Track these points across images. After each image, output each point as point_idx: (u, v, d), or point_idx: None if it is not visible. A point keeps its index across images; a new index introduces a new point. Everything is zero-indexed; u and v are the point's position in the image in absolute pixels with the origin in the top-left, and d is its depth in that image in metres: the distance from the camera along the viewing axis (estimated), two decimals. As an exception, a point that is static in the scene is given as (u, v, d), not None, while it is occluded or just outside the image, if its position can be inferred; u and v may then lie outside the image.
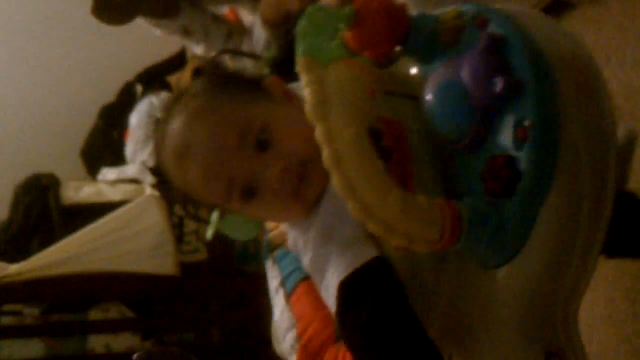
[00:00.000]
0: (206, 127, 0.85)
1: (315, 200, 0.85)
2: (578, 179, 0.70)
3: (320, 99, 0.67)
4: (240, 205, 0.86)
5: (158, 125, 0.92)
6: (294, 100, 0.90)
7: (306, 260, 0.87)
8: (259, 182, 0.84)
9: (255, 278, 2.56)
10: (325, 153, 0.65)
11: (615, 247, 1.08)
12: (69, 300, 2.53)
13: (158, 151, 0.91)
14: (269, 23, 1.86)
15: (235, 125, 0.84)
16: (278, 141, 0.84)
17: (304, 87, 0.68)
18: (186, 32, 2.11)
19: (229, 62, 2.10)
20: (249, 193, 0.85)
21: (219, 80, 0.94)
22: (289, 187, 0.83)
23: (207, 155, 0.84)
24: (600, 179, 0.70)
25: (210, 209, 0.95)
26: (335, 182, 0.64)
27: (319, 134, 0.65)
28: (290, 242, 0.93)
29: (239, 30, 2.22)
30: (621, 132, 1.25)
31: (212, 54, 2.13)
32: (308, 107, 0.67)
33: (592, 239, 0.71)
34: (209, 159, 0.84)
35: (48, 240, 2.56)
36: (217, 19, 2.21)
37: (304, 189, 0.84)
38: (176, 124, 0.87)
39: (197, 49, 2.18)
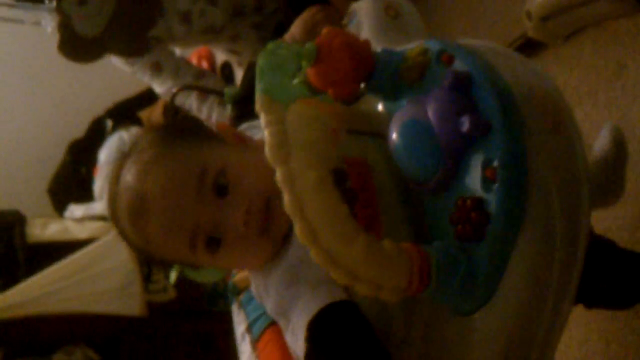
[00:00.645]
0: (161, 178, 0.81)
1: (283, 238, 0.82)
2: (549, 221, 0.67)
3: (280, 140, 0.63)
4: (207, 256, 0.83)
5: (110, 187, 0.87)
6: (247, 142, 0.89)
7: (270, 305, 0.84)
8: (224, 228, 0.81)
9: (225, 318, 2.54)
10: (286, 198, 0.61)
11: (594, 298, 1.06)
12: (33, 344, 2.46)
13: (112, 213, 0.87)
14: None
15: (191, 172, 0.81)
16: (237, 184, 0.81)
17: (263, 128, 0.65)
18: (157, 68, 2.08)
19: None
20: (215, 242, 0.82)
21: (169, 130, 0.91)
22: (255, 227, 0.81)
23: (165, 207, 0.81)
24: (573, 220, 0.68)
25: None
26: (297, 228, 0.61)
27: (279, 177, 0.62)
28: (253, 288, 0.89)
29: (210, 74, 2.21)
30: (606, 136, 1.25)
31: (183, 97, 2.10)
32: (267, 150, 0.63)
33: (566, 283, 0.68)
34: (168, 211, 0.81)
35: (12, 280, 2.50)
36: (188, 62, 2.20)
37: (272, 225, 0.81)
38: (128, 179, 0.84)
39: (162, 87, 2.14)
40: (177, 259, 0.87)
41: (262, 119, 0.66)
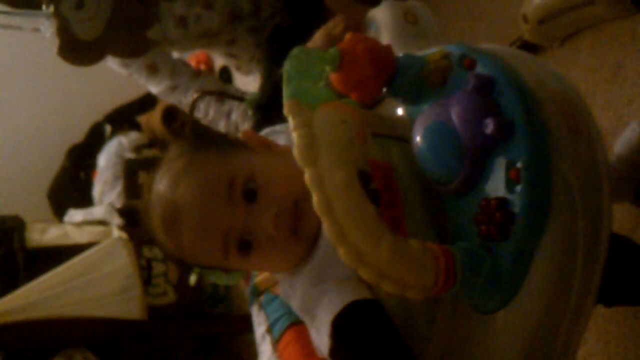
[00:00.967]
0: (191, 187, 0.83)
1: (313, 238, 0.83)
2: (573, 220, 0.68)
3: (309, 142, 0.64)
4: (240, 260, 0.84)
5: (142, 197, 0.90)
6: (272, 147, 0.91)
7: (295, 303, 0.85)
8: (255, 233, 0.82)
9: (224, 320, 2.54)
10: (315, 199, 0.62)
11: (613, 296, 1.07)
12: (32, 348, 2.46)
13: (147, 222, 0.89)
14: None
15: (220, 179, 0.83)
16: (265, 188, 0.83)
17: (291, 131, 0.66)
18: (153, 69, 2.08)
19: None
20: (247, 246, 0.83)
21: (197, 140, 0.93)
22: (285, 230, 0.82)
23: (197, 214, 0.82)
24: (595, 220, 0.69)
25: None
26: (326, 228, 0.62)
27: (308, 178, 0.63)
28: (279, 287, 0.90)
29: (207, 74, 2.21)
30: (634, 130, 1.27)
31: (179, 96, 2.10)
32: (296, 152, 0.65)
33: (589, 281, 0.69)
34: (200, 218, 0.82)
35: (11, 284, 2.50)
36: (183, 62, 2.20)
37: (302, 227, 0.82)
38: (160, 189, 0.86)
39: (158, 87, 2.14)
40: (211, 263, 0.88)
41: (291, 122, 0.67)
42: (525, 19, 1.53)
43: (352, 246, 0.62)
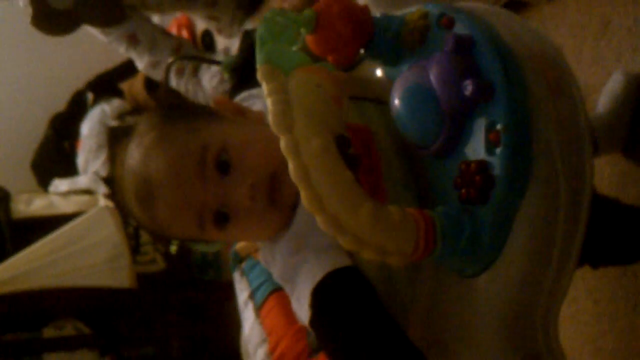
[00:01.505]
0: (163, 161, 0.82)
1: (293, 206, 0.82)
2: (553, 182, 0.67)
3: (283, 108, 0.63)
4: (217, 232, 0.83)
5: (114, 169, 0.89)
6: (246, 114, 0.89)
7: (276, 271, 0.84)
8: (230, 204, 0.81)
9: (214, 286, 2.55)
10: (292, 166, 0.61)
11: (600, 257, 1.07)
12: (22, 319, 2.46)
13: (120, 197, 0.88)
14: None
15: (191, 153, 0.81)
16: (240, 159, 0.81)
17: (265, 97, 0.64)
18: (133, 41, 2.05)
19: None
20: (223, 218, 0.82)
21: (166, 111, 0.91)
22: (262, 201, 0.81)
23: (170, 190, 0.81)
24: (577, 181, 0.68)
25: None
26: (303, 196, 0.61)
27: (283, 146, 0.62)
28: (260, 255, 0.89)
29: (187, 44, 2.17)
30: (616, 82, 1.26)
31: (155, 68, 2.07)
32: (271, 118, 0.63)
33: (570, 243, 0.68)
34: (173, 193, 0.81)
35: (-2, 256, 2.49)
36: (166, 32, 2.16)
37: (280, 197, 0.81)
38: (132, 165, 0.84)
39: (140, 62, 2.11)
40: (187, 236, 0.87)
41: (264, 88, 0.65)
42: (512, -25, 1.51)
43: (330, 214, 0.61)
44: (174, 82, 2.04)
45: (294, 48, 0.72)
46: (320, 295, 0.75)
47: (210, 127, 0.85)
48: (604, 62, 1.40)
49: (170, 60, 1.90)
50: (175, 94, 1.99)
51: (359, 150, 0.74)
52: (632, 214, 1.13)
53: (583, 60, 1.45)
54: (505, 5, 1.60)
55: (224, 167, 0.81)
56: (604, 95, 1.34)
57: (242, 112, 0.89)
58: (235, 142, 0.82)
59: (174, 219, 0.83)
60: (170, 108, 0.90)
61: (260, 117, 0.90)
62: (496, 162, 0.65)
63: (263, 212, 0.81)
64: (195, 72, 2.04)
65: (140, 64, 2.12)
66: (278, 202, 0.81)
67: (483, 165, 0.66)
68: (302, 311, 0.78)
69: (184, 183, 0.80)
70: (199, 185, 0.80)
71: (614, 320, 1.39)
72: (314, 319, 0.76)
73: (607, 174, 1.39)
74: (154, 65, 2.06)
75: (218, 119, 0.87)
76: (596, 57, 1.42)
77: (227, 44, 2.32)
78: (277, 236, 0.84)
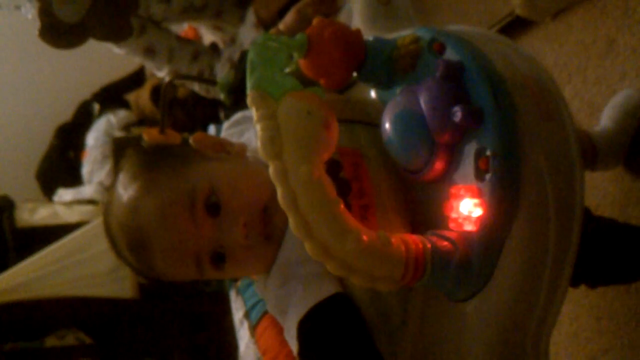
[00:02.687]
0: (152, 210, 0.81)
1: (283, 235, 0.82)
2: (543, 208, 0.67)
3: (272, 135, 0.63)
4: (215, 272, 0.83)
5: (104, 220, 0.88)
6: (228, 147, 0.89)
7: (269, 304, 0.84)
8: (226, 245, 0.81)
9: (216, 299, 2.54)
10: (280, 193, 0.61)
11: (597, 277, 1.07)
12: (24, 328, 2.46)
13: (113, 246, 0.87)
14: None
15: (180, 198, 0.81)
16: (229, 199, 0.81)
17: (254, 124, 0.64)
18: (149, 52, 2.05)
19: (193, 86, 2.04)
20: (219, 259, 0.82)
21: (148, 156, 0.90)
22: (256, 236, 0.81)
23: (164, 238, 0.81)
24: (567, 206, 0.68)
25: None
26: (291, 223, 0.61)
27: (272, 172, 0.62)
28: (255, 286, 0.90)
29: (206, 50, 2.17)
30: (625, 95, 1.26)
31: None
32: (260, 145, 0.63)
33: (561, 269, 0.68)
34: (167, 241, 0.81)
35: (1, 265, 2.50)
36: (182, 40, 2.16)
37: (272, 230, 0.81)
38: (120, 217, 0.84)
39: (159, 72, 2.12)
40: (186, 279, 0.87)
41: (254, 114, 0.66)
42: (517, -7, 1.51)
43: (318, 240, 0.61)
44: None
45: (286, 70, 0.72)
46: (306, 329, 0.76)
47: (194, 169, 0.84)
48: (608, 82, 1.40)
49: (167, 77, 1.91)
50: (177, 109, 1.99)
51: (350, 174, 0.75)
52: (629, 233, 1.12)
53: (587, 79, 1.45)
54: (510, 24, 1.61)
55: (214, 209, 0.80)
56: (609, 109, 1.34)
57: (222, 147, 0.89)
58: (222, 182, 0.82)
59: (171, 266, 0.83)
60: (151, 153, 0.90)
61: (242, 150, 0.90)
62: (486, 188, 0.65)
63: (259, 247, 0.81)
64: (211, 70, 2.04)
65: (159, 72, 2.12)
66: (271, 234, 0.81)
67: (473, 191, 0.66)
68: (292, 342, 0.78)
69: (177, 230, 0.80)
70: (192, 230, 0.80)
71: (616, 337, 1.38)
72: (301, 352, 0.76)
73: (610, 191, 1.38)
74: (173, 73, 2.07)
75: (201, 158, 0.87)
76: (600, 76, 1.42)
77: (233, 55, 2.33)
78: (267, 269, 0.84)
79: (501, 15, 1.63)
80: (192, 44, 2.14)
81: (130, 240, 0.83)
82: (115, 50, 2.09)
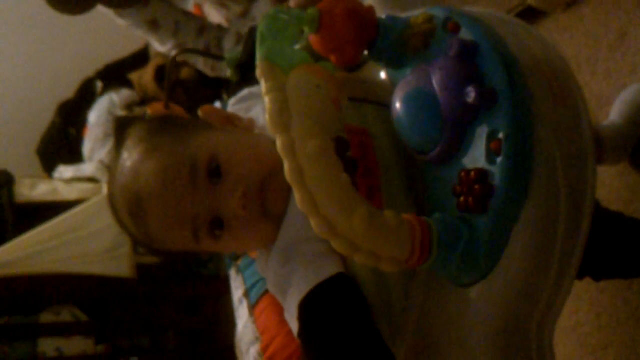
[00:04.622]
0: (152, 174, 0.80)
1: (283, 214, 0.81)
2: (554, 194, 0.66)
3: (281, 107, 0.61)
4: (211, 243, 0.82)
5: (108, 187, 0.88)
6: (235, 122, 0.88)
7: (269, 282, 0.83)
8: (223, 214, 0.80)
9: (212, 281, 2.54)
10: (287, 167, 0.60)
11: (603, 269, 1.06)
12: (20, 302, 2.46)
13: (114, 213, 0.87)
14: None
15: (181, 163, 0.80)
16: (230, 167, 0.80)
17: (263, 95, 0.63)
18: (154, 25, 2.01)
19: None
20: (216, 227, 0.80)
21: (154, 123, 0.89)
22: (254, 209, 0.79)
23: (161, 201, 0.80)
24: (578, 194, 0.67)
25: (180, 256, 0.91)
26: (297, 197, 0.60)
27: (279, 145, 0.60)
28: (257, 264, 0.88)
29: (212, 25, 2.13)
30: (628, 95, 1.25)
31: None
32: (267, 117, 0.62)
33: (569, 257, 0.67)
34: (164, 205, 0.80)
35: (-1, 239, 2.49)
36: (188, 14, 2.12)
37: (270, 205, 0.80)
38: (122, 180, 0.83)
39: (162, 46, 2.08)
40: (183, 249, 0.86)
41: (262, 86, 0.64)
42: (528, -17, 1.49)
43: (324, 217, 0.60)
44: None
45: (296, 47, 0.71)
46: (307, 309, 0.75)
47: (198, 137, 0.83)
48: (619, 74, 1.38)
49: (172, 51, 1.88)
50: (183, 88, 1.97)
51: (357, 153, 0.73)
52: (635, 228, 1.11)
53: (597, 71, 1.44)
54: (521, 13, 1.60)
55: (215, 174, 0.79)
56: (618, 103, 1.33)
57: (230, 121, 0.88)
58: (225, 149, 0.81)
59: (168, 232, 0.82)
60: (157, 120, 0.89)
61: (250, 125, 0.89)
62: (496, 171, 0.64)
63: (256, 222, 0.80)
64: (218, 45, 2.01)
65: (162, 47, 2.08)
66: (269, 210, 0.80)
67: (483, 174, 0.65)
68: (292, 323, 0.77)
69: (175, 194, 0.79)
70: (191, 195, 0.79)
71: (616, 332, 1.37)
72: (301, 332, 0.75)
73: (615, 186, 1.37)
74: (177, 46, 2.03)
75: (207, 128, 0.86)
76: (610, 69, 1.40)
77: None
78: (269, 246, 0.83)
79: (512, 4, 1.62)
80: (198, 18, 2.10)
81: (129, 203, 0.82)
82: (118, 21, 2.05)
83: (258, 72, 0.65)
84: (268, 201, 0.80)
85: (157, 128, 0.87)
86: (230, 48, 1.90)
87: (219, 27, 2.11)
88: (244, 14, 2.06)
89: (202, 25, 2.07)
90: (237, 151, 0.81)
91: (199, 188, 0.79)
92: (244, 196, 0.78)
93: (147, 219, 0.81)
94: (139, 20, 1.99)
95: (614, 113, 1.32)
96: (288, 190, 0.76)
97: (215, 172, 0.79)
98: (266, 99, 0.63)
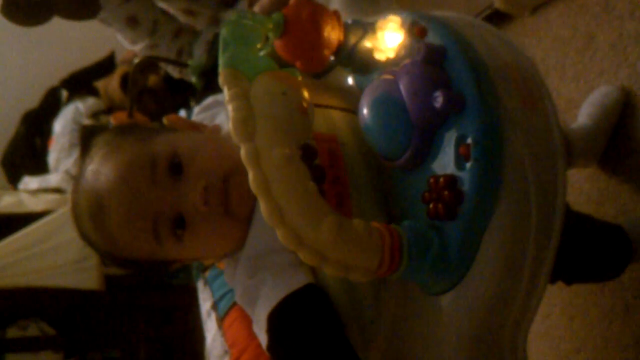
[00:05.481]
0: (113, 172, 0.78)
1: (248, 219, 0.79)
2: (524, 200, 0.65)
3: (245, 115, 0.60)
4: (174, 245, 0.79)
5: (73, 191, 0.85)
6: (200, 128, 0.87)
7: (237, 294, 0.81)
8: (185, 210, 0.77)
9: (183, 292, 2.51)
10: (251, 176, 0.58)
11: (574, 273, 1.06)
12: (-15, 318, 2.41)
13: (77, 222, 0.84)
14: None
15: (141, 161, 0.78)
16: (191, 162, 0.78)
17: (226, 103, 0.61)
18: (133, 22, 1.97)
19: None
20: (179, 226, 0.78)
21: (119, 129, 0.88)
22: (216, 205, 0.77)
23: (120, 200, 0.78)
24: (549, 199, 0.66)
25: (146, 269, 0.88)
26: (262, 208, 0.58)
27: (243, 154, 0.59)
28: (225, 275, 0.86)
29: (187, 30, 2.11)
30: (604, 92, 1.25)
31: (153, 50, 2.01)
32: (231, 125, 0.60)
33: (541, 262, 0.66)
34: (124, 203, 0.77)
35: (-37, 253, 2.44)
36: (167, 14, 2.09)
37: (233, 205, 0.78)
38: (83, 184, 0.82)
39: (133, 45, 2.04)
40: (145, 254, 0.83)
41: (226, 93, 0.63)
42: (495, -14, 1.50)
43: (291, 227, 0.58)
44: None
45: (261, 53, 0.69)
46: (276, 322, 0.73)
47: (160, 137, 0.82)
48: (587, 77, 1.39)
49: (135, 60, 1.85)
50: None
51: (325, 161, 0.72)
52: (606, 231, 1.11)
53: (566, 75, 1.44)
54: (488, 17, 1.60)
55: (176, 169, 0.78)
56: (586, 106, 1.33)
57: (195, 127, 0.87)
58: (187, 147, 0.79)
59: (128, 232, 0.79)
60: (123, 127, 0.88)
61: (215, 130, 0.88)
62: (466, 177, 0.63)
63: (219, 220, 0.78)
64: (190, 48, 1.98)
65: (133, 46, 2.04)
66: (232, 209, 0.78)
67: (452, 180, 0.64)
68: (261, 335, 0.75)
69: (135, 190, 0.77)
70: (151, 191, 0.77)
71: (589, 337, 1.37)
72: (270, 345, 0.74)
73: (586, 189, 1.38)
74: (152, 47, 2.00)
75: (169, 131, 0.85)
76: (579, 72, 1.41)
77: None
78: (237, 255, 0.81)
79: (480, 8, 1.62)
80: (176, 20, 2.08)
81: (90, 204, 0.80)
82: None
83: (221, 79, 0.63)
84: (231, 199, 0.78)
85: (119, 133, 0.86)
86: (198, 55, 1.88)
87: (194, 31, 2.08)
88: (214, 21, 2.04)
89: (179, 28, 2.04)
90: (199, 148, 0.80)
91: (160, 184, 0.77)
92: (206, 191, 0.76)
93: (107, 218, 0.78)
94: (118, 16, 1.95)
95: (583, 116, 1.33)
96: (252, 193, 0.74)
97: (176, 167, 0.78)
98: (229, 108, 0.61)
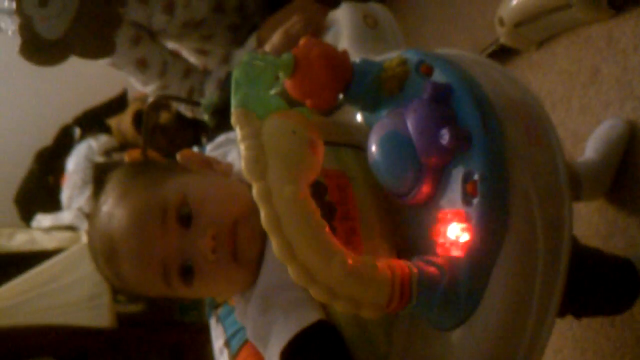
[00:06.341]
0: (124, 218, 0.81)
1: (258, 261, 0.80)
2: (531, 234, 0.65)
3: (257, 154, 0.61)
4: (184, 288, 0.81)
5: (89, 228, 0.88)
6: (214, 165, 0.88)
7: (248, 331, 0.82)
8: (194, 258, 0.79)
9: (195, 329, 2.51)
10: (263, 214, 0.59)
11: (583, 307, 1.06)
12: (-1, 357, 2.40)
13: (93, 256, 0.87)
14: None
15: (152, 207, 0.80)
16: (200, 210, 0.80)
17: (238, 142, 0.63)
18: (142, 65, 2.00)
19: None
20: (187, 273, 0.80)
21: (131, 168, 0.91)
22: (225, 253, 0.79)
23: (132, 246, 0.80)
24: (555, 233, 0.66)
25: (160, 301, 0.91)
26: (274, 245, 0.59)
27: (256, 193, 0.60)
28: (235, 313, 0.87)
29: (197, 68, 2.14)
30: (610, 125, 1.26)
31: (164, 90, 2.04)
32: (243, 164, 0.62)
33: (549, 296, 0.66)
34: (135, 249, 0.80)
35: (-23, 291, 2.44)
36: (175, 55, 2.12)
37: (242, 250, 0.79)
38: (97, 224, 0.85)
39: (145, 87, 2.08)
40: (156, 294, 0.85)
41: (238, 133, 0.64)
42: (501, 22, 1.51)
43: (302, 264, 0.59)
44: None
45: (272, 92, 0.71)
46: (289, 358, 0.74)
47: (170, 180, 0.84)
48: (593, 111, 1.40)
49: (150, 98, 1.88)
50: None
51: (335, 197, 0.73)
52: (615, 265, 1.11)
53: (572, 108, 1.45)
54: (494, 53, 1.62)
55: (185, 220, 0.80)
56: (593, 139, 1.34)
57: (209, 164, 0.89)
58: (196, 193, 0.81)
59: (140, 276, 0.82)
60: (135, 165, 0.90)
61: (228, 170, 0.89)
62: (473, 213, 0.64)
63: (227, 267, 0.79)
64: (202, 87, 2.01)
65: (145, 87, 2.08)
66: (241, 255, 0.80)
67: (460, 216, 0.65)
68: None
69: (146, 237, 0.79)
70: (161, 239, 0.79)
71: (601, 369, 1.36)
72: None
73: (594, 222, 1.38)
74: (163, 88, 2.04)
75: (180, 171, 0.87)
76: (585, 106, 1.42)
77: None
78: (248, 293, 0.82)
79: (486, 43, 1.64)
80: (185, 60, 2.11)
81: (104, 246, 0.82)
82: (103, 61, 2.05)
83: (233, 119, 0.65)
84: (239, 245, 0.79)
85: (133, 172, 0.88)
86: (210, 93, 1.91)
87: (205, 70, 2.12)
88: (226, 60, 2.08)
89: (187, 68, 2.07)
90: (208, 194, 0.81)
91: (169, 231, 0.79)
92: (214, 239, 0.78)
93: (119, 261, 0.81)
94: (127, 59, 1.98)
95: (590, 149, 1.33)
96: (262, 235, 0.75)
97: (185, 217, 0.79)
98: (241, 146, 0.63)
